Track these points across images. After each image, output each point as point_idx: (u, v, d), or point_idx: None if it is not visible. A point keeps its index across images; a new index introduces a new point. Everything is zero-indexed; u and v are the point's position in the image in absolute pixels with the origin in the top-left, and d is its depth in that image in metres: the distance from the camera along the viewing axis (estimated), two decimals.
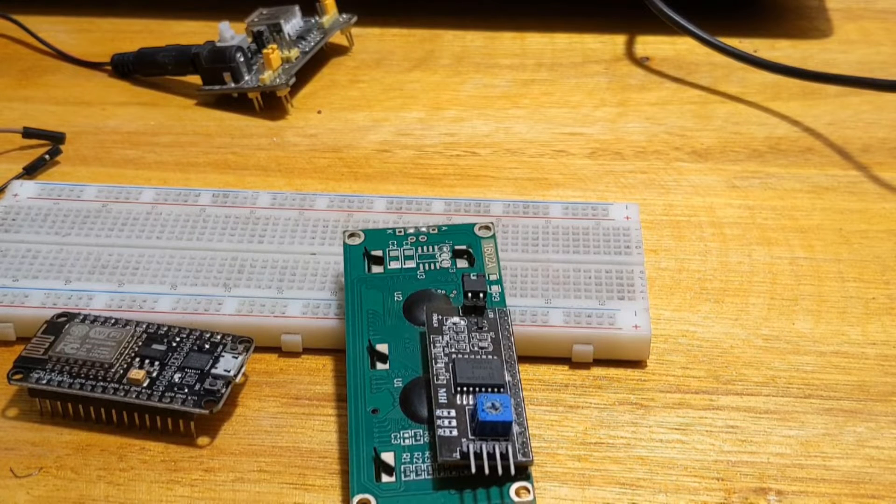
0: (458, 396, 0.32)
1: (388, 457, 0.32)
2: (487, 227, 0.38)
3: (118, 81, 0.52)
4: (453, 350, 0.34)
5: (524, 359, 0.36)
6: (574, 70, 0.53)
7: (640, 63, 0.54)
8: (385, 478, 0.32)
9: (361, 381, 0.34)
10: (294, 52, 0.50)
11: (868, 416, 0.35)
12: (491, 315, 0.35)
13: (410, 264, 0.37)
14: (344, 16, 0.54)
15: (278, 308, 0.37)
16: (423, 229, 0.38)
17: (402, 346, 0.35)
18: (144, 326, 0.36)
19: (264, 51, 0.49)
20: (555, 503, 0.33)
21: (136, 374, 0.35)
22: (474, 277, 0.35)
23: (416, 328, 0.35)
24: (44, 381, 0.35)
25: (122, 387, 0.34)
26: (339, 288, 0.38)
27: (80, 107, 0.50)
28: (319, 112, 0.50)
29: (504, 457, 0.31)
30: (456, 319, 0.35)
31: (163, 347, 0.36)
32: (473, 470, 0.31)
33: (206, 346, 0.36)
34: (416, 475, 0.32)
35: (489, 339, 0.34)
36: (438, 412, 0.32)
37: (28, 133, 0.47)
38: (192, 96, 0.51)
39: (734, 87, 0.52)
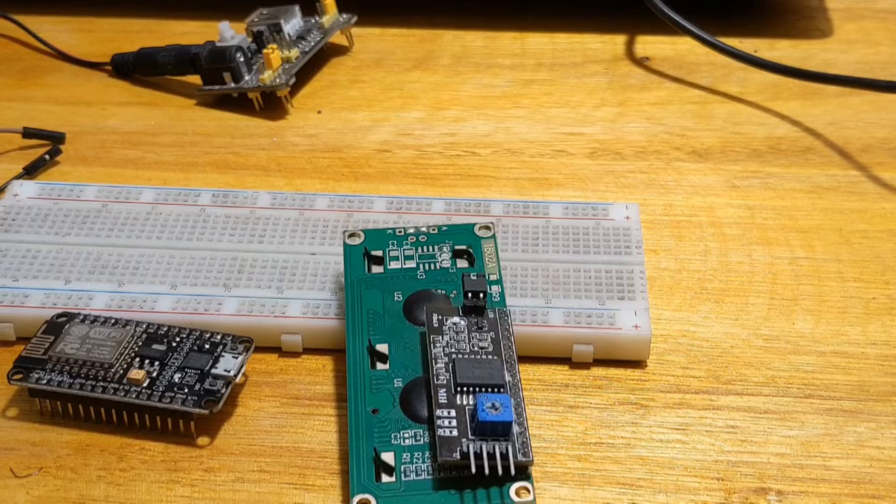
0: (458, 396, 0.32)
1: (388, 457, 0.32)
2: (487, 227, 0.38)
3: (118, 81, 0.52)
4: (453, 350, 0.34)
5: (524, 359, 0.36)
6: (574, 70, 0.53)
7: (640, 63, 0.54)
8: (385, 478, 0.32)
9: (361, 381, 0.34)
10: (294, 52, 0.50)
11: (868, 416, 0.35)
12: (491, 315, 0.35)
13: (410, 264, 0.37)
14: (344, 16, 0.54)
15: (278, 308, 0.37)
16: (423, 229, 0.38)
17: (402, 346, 0.35)
18: (144, 326, 0.36)
19: (264, 51, 0.49)
20: (555, 503, 0.33)
21: (136, 374, 0.35)
22: (474, 277, 0.35)
23: (416, 328, 0.35)
24: (44, 381, 0.35)
25: (122, 387, 0.34)
26: (339, 288, 0.38)
27: (80, 107, 0.50)
28: (319, 112, 0.50)
29: (504, 457, 0.31)
30: (456, 319, 0.35)
31: (163, 347, 0.36)
32: (473, 470, 0.31)
33: (206, 346, 0.36)
34: (416, 475, 0.32)
35: (489, 339, 0.34)
36: (438, 412, 0.32)
37: (28, 133, 0.47)
38: (192, 96, 0.51)
39: (734, 87, 0.52)
